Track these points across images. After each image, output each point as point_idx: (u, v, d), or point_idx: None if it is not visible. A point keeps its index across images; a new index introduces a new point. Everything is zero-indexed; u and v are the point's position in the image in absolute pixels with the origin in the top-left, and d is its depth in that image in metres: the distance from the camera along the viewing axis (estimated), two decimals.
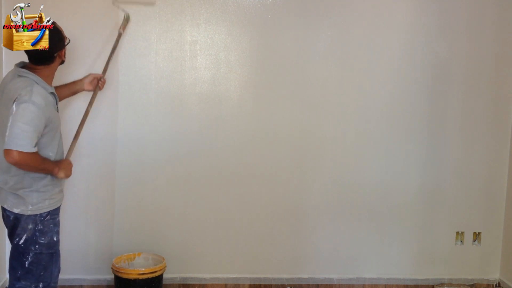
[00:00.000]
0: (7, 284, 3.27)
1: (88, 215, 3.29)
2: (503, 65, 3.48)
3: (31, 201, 2.30)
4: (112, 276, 3.18)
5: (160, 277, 3.13)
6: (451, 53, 3.43)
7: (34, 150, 2.20)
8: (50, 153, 2.37)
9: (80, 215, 3.27)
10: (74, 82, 2.83)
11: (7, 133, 2.15)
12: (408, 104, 3.45)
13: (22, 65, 2.39)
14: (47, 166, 2.32)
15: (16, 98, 2.20)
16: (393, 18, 3.39)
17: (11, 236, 2.38)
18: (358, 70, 3.39)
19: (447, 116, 3.48)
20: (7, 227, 2.41)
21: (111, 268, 3.11)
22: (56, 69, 2.46)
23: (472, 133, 3.51)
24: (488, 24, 3.44)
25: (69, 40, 2.49)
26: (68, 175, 2.44)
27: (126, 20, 3.06)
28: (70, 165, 2.47)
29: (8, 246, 3.24)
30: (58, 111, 2.47)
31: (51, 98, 2.36)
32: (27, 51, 2.33)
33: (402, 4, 3.39)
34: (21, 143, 2.14)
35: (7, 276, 3.28)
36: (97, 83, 2.88)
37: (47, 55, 2.33)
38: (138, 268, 3.10)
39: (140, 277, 3.01)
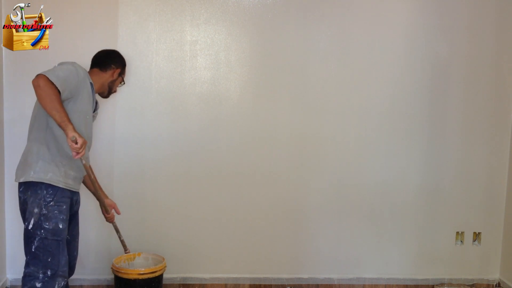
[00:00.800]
0: (8, 284, 3.28)
1: (88, 215, 3.29)
2: (503, 65, 3.48)
3: (35, 168, 2.40)
4: (112, 276, 3.17)
5: (160, 277, 3.13)
6: (451, 53, 3.43)
7: (58, 86, 2.27)
8: None
9: (80, 215, 3.25)
10: (102, 189, 2.88)
11: None
12: (408, 104, 3.45)
13: None
14: (63, 112, 2.26)
15: None
16: (393, 18, 3.39)
17: (24, 221, 2.48)
18: (358, 70, 3.39)
19: (447, 116, 3.48)
20: (21, 212, 2.51)
21: (111, 268, 3.11)
22: (105, 84, 2.69)
23: (472, 133, 3.51)
24: (488, 24, 3.44)
25: (124, 82, 2.84)
26: (79, 136, 2.26)
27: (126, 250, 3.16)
28: (83, 141, 2.29)
29: (8, 246, 3.26)
30: (95, 111, 2.69)
31: (89, 83, 2.53)
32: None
33: (402, 4, 3.39)
34: (48, 73, 2.28)
35: (8, 276, 3.29)
36: (109, 213, 2.92)
37: (105, 60, 2.67)
38: (138, 268, 3.09)
39: (140, 277, 3.01)
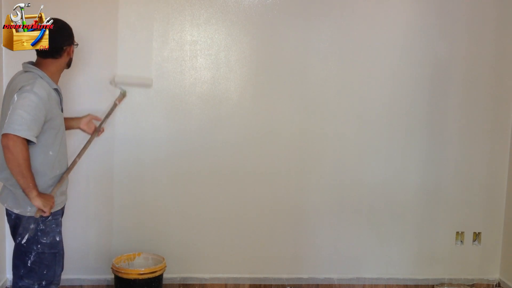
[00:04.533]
0: (7, 284, 3.28)
1: (88, 215, 3.29)
2: (503, 65, 3.49)
3: (29, 203, 2.27)
4: (112, 276, 3.18)
5: (160, 277, 3.13)
6: (451, 53, 3.43)
7: (31, 138, 2.16)
8: (51, 152, 2.34)
9: (80, 215, 3.27)
10: (71, 118, 2.72)
11: (6, 120, 2.16)
12: (408, 104, 3.45)
13: (31, 62, 2.40)
14: (30, 177, 2.19)
15: (19, 89, 2.23)
16: (393, 18, 3.39)
17: (14, 235, 2.39)
18: (358, 70, 3.39)
19: (447, 116, 3.48)
20: (9, 225, 2.42)
21: (111, 268, 3.11)
22: (63, 67, 2.45)
23: (472, 133, 3.51)
24: (488, 24, 3.44)
25: (77, 44, 2.52)
26: (44, 206, 2.23)
27: (123, 95, 3.05)
28: (51, 200, 2.29)
29: (8, 246, 3.25)
30: (62, 111, 2.47)
31: (54, 94, 2.35)
32: None
33: (402, 5, 3.39)
34: (17, 127, 2.12)
35: (7, 276, 3.29)
36: (95, 127, 2.77)
37: (56, 48, 2.35)
38: (138, 268, 3.10)
39: (140, 277, 3.01)
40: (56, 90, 2.39)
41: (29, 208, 2.29)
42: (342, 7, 3.34)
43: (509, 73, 3.50)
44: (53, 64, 2.38)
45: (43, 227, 2.33)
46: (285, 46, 3.33)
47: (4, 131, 2.14)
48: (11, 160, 2.15)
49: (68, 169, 2.48)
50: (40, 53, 2.36)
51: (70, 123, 2.68)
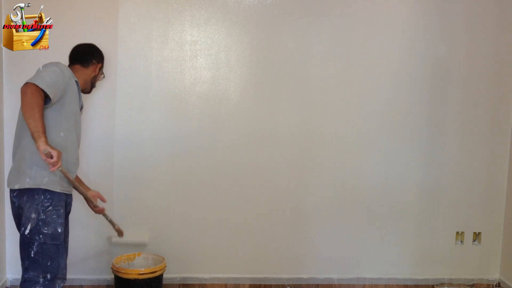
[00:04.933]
0: (8, 284, 3.28)
1: (88, 215, 3.28)
2: (503, 65, 3.48)
3: (29, 174, 2.35)
4: (112, 276, 3.18)
5: (160, 277, 3.13)
6: (451, 53, 3.43)
7: (49, 92, 2.25)
8: (62, 134, 2.43)
9: (80, 215, 3.26)
10: (83, 182, 2.81)
11: None
12: (408, 104, 3.45)
13: None
14: (41, 122, 2.21)
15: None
16: (393, 18, 3.39)
17: (19, 227, 2.46)
18: (358, 70, 3.39)
19: (447, 116, 3.48)
20: (14, 217, 2.49)
21: (111, 268, 3.11)
22: (87, 80, 2.67)
23: (472, 133, 3.51)
24: (488, 24, 3.44)
25: (104, 76, 2.83)
26: (52, 149, 2.21)
27: (121, 234, 3.11)
28: (59, 152, 2.26)
29: (8, 246, 3.25)
30: (81, 109, 2.61)
31: (74, 83, 2.49)
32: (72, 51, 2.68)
33: (402, 5, 3.40)
34: (37, 80, 2.25)
35: (8, 276, 3.29)
36: (96, 205, 2.83)
37: (86, 56, 2.64)
38: (138, 268, 3.10)
39: (140, 277, 3.01)
40: (77, 83, 2.53)
41: (28, 179, 2.36)
42: (342, 7, 3.34)
43: (509, 73, 3.50)
44: (79, 71, 2.62)
45: (44, 217, 2.38)
46: (285, 46, 3.33)
47: (25, 82, 2.25)
48: (26, 104, 2.22)
49: (68, 178, 2.47)
50: (70, 58, 2.64)
51: (79, 186, 2.70)
